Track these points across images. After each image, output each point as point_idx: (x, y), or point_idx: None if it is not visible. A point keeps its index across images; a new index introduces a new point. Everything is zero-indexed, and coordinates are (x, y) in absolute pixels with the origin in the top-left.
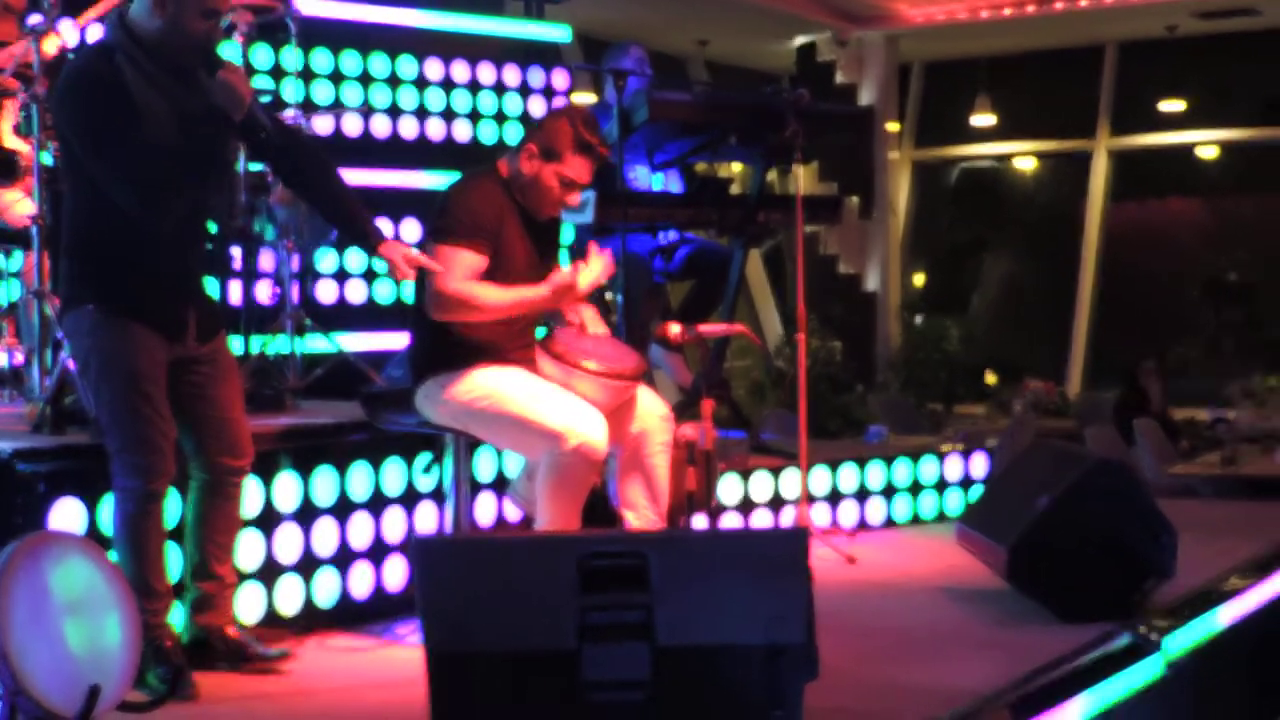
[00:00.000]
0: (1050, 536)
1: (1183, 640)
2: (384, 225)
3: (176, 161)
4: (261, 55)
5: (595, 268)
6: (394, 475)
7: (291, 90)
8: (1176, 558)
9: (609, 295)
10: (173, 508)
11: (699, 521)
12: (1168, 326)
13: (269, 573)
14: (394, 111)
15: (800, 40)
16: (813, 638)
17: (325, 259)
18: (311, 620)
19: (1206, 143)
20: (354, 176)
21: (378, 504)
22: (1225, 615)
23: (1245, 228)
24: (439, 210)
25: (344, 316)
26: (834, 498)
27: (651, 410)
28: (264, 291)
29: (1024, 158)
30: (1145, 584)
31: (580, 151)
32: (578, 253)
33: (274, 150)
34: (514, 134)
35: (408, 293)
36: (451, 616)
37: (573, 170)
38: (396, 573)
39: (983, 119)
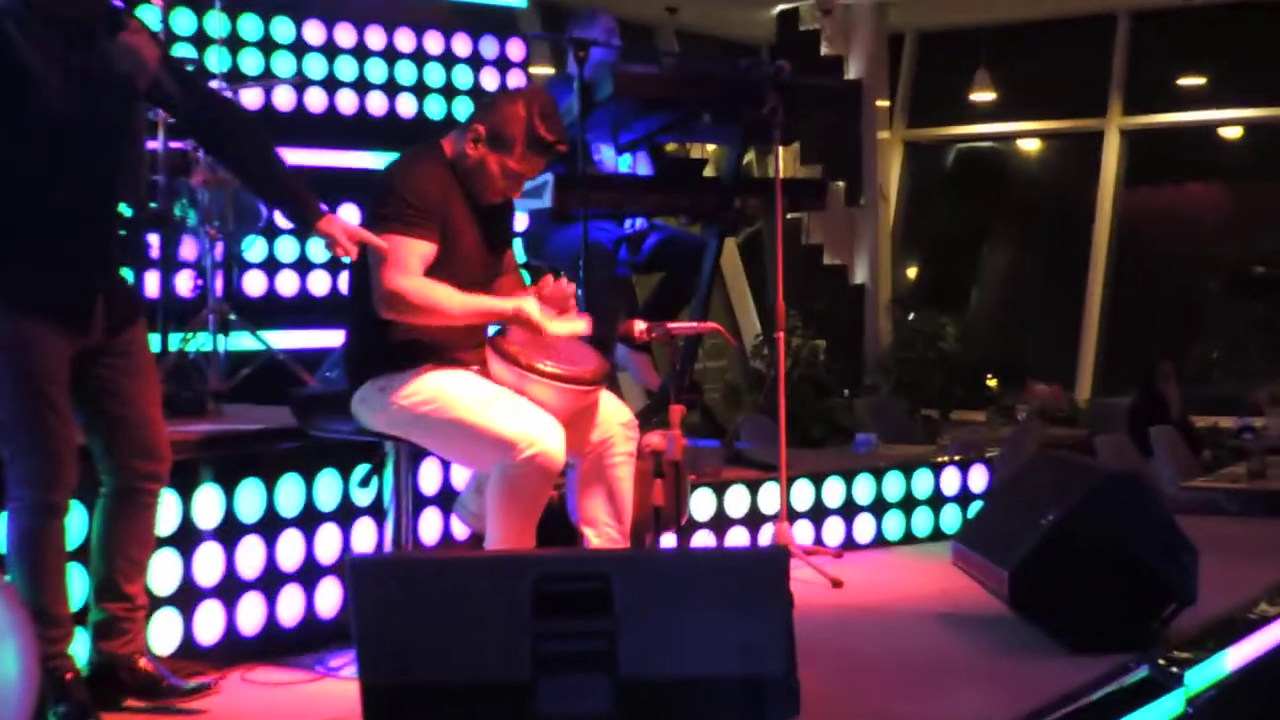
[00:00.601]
0: (1057, 558)
1: (1206, 674)
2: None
3: (74, 134)
4: (183, 20)
5: (578, 325)
6: (328, 488)
7: (216, 60)
8: (1198, 581)
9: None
10: (76, 524)
11: (667, 540)
12: (1188, 324)
13: (186, 597)
14: (330, 84)
15: (781, 7)
16: (793, 669)
17: (253, 247)
18: (234, 651)
19: (1229, 121)
20: (286, 157)
21: (309, 520)
22: (1253, 646)
23: (1273, 215)
24: (380, 194)
25: (273, 311)
26: (818, 513)
27: (614, 417)
28: (184, 283)
29: (1028, 138)
30: (1164, 611)
31: (533, 149)
32: (534, 241)
33: (194, 120)
34: (464, 110)
35: (347, 284)
36: (390, 646)
37: (520, 165)
38: (330, 597)
39: (982, 95)
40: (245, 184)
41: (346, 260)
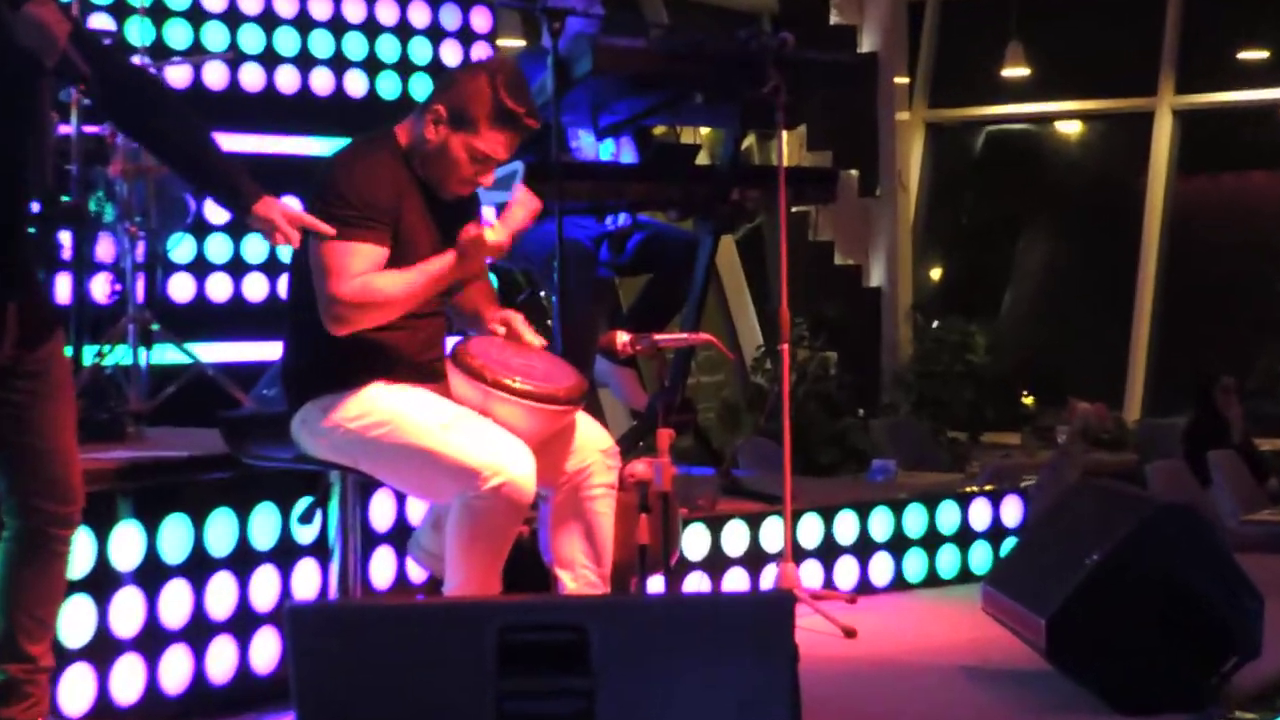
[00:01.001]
0: (1101, 603)
1: None
2: None
3: None
4: None
5: (516, 213)
6: (264, 525)
7: (139, 31)
8: (1263, 630)
9: (543, 294)
10: None
11: (654, 584)
12: (1250, 333)
13: (101, 650)
14: (269, 59)
15: None
16: None
17: (179, 247)
18: (156, 712)
19: None
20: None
21: (243, 562)
22: None
23: None
24: (321, 191)
25: (202, 320)
26: (828, 552)
27: (593, 442)
28: (100, 288)
29: (1067, 119)
30: (1224, 664)
31: (500, 123)
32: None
33: (111, 101)
34: (422, 89)
35: (286, 288)
36: (334, 706)
37: (487, 144)
38: (266, 650)
39: (1015, 70)
40: (171, 168)
41: (288, 253)
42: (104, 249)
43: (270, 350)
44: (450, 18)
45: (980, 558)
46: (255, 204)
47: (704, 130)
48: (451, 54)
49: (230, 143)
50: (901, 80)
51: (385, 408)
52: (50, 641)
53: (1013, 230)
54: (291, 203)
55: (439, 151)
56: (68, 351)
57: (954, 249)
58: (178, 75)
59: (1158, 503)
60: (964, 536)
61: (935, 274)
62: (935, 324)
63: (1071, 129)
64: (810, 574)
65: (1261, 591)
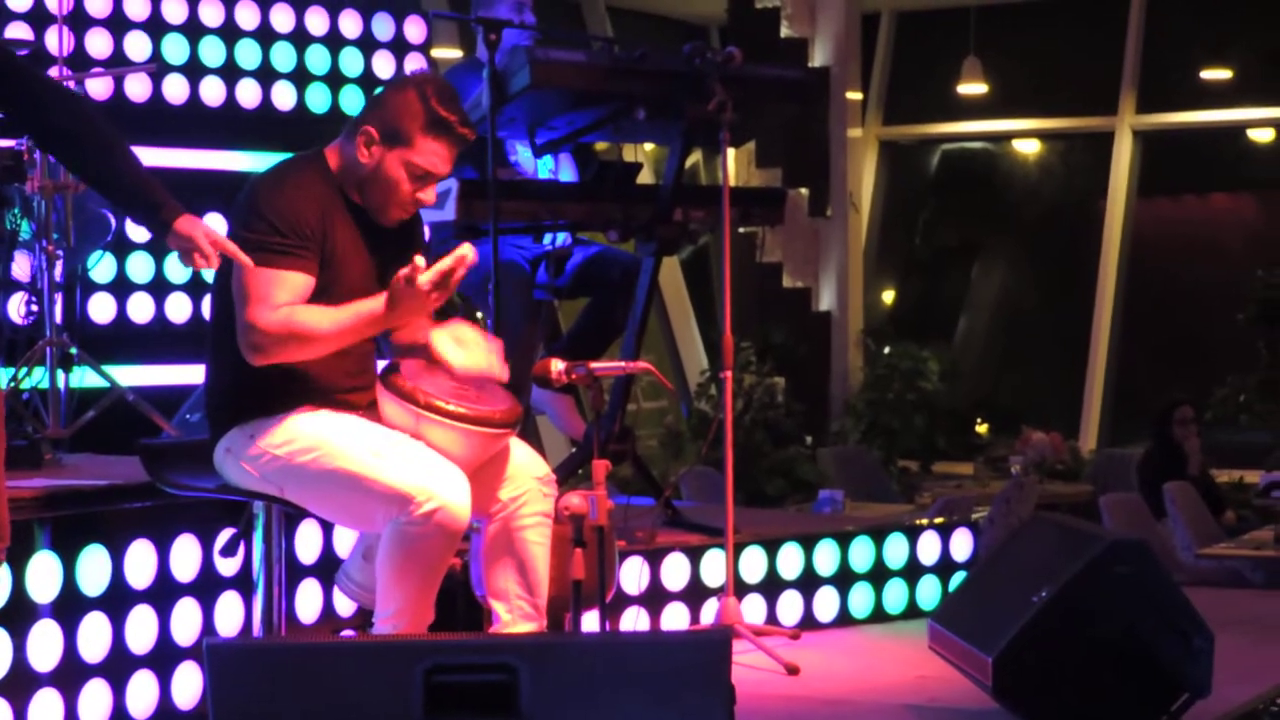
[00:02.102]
0: (1049, 642)
1: None
2: None
3: None
4: None
5: (447, 261)
6: (185, 556)
7: (57, 41)
8: (1213, 669)
9: (479, 315)
10: None
11: (589, 620)
12: (1210, 361)
13: (17, 685)
14: (194, 70)
15: None
16: None
17: (99, 266)
18: None
19: (1260, 122)
20: (139, 156)
21: (164, 594)
22: None
23: None
24: (245, 214)
25: (123, 342)
26: (771, 587)
27: (528, 470)
28: (16, 308)
29: (1025, 139)
30: (1172, 704)
31: (434, 132)
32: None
33: (25, 115)
34: (354, 102)
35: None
36: None
37: (424, 158)
38: (188, 685)
39: (972, 87)
40: (88, 183)
41: (212, 273)
42: (20, 268)
43: (194, 374)
44: (383, 28)
45: (928, 593)
46: (176, 220)
47: (648, 147)
48: (385, 65)
49: (153, 157)
50: (854, 96)
51: (312, 433)
52: None
53: (968, 253)
54: (215, 221)
55: (375, 174)
56: None
57: (907, 272)
58: (98, 87)
59: (1108, 539)
60: (912, 571)
61: (887, 298)
62: (887, 350)
63: (1030, 148)
64: (752, 609)
65: (1214, 627)
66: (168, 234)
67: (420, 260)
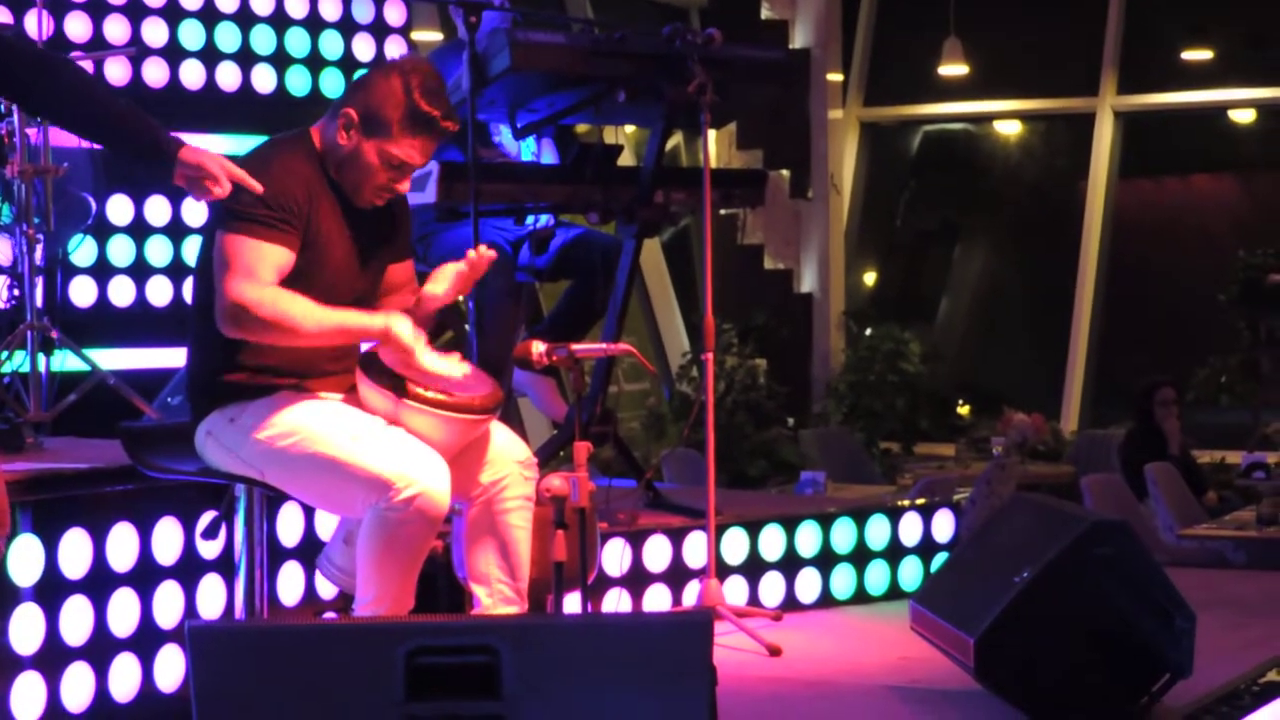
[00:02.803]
0: (1031, 622)
1: None
2: (159, 206)
3: None
4: None
5: (455, 369)
6: (167, 539)
7: (39, 24)
8: (1194, 649)
9: (460, 299)
10: None
11: (571, 603)
12: (1191, 342)
13: (1, 667)
14: (173, 53)
15: None
16: None
17: (81, 249)
18: None
19: (1241, 103)
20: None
21: (146, 578)
22: None
23: None
24: (233, 189)
25: (105, 325)
26: (753, 568)
27: (508, 454)
28: None
29: (1006, 120)
30: (1154, 684)
31: (414, 128)
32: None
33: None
34: (334, 85)
35: (191, 292)
36: None
37: (402, 150)
38: (171, 669)
39: (953, 68)
40: (74, 129)
41: (194, 256)
42: (0, 252)
43: (175, 357)
44: (363, 10)
45: (910, 574)
46: (181, 150)
47: (628, 129)
48: (364, 48)
49: None
50: (835, 77)
51: (294, 418)
52: None
53: (949, 235)
54: (194, 207)
55: (352, 158)
56: None
57: (889, 254)
58: None
59: (1089, 520)
60: (894, 552)
61: (869, 279)
62: (868, 331)
63: (1011, 129)
64: (734, 590)
65: (1196, 608)
66: (175, 165)
67: (422, 341)
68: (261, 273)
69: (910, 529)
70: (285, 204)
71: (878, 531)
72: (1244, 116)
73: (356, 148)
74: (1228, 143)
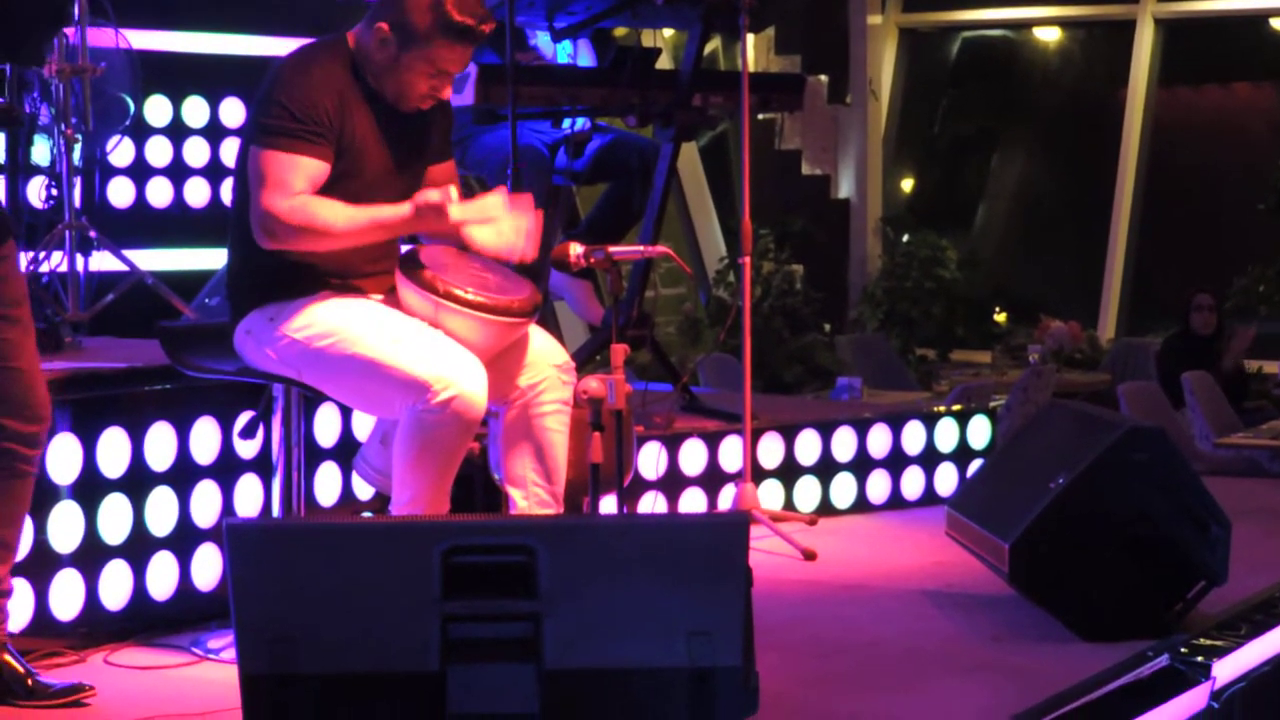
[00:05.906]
0: (1066, 528)
1: (1235, 665)
2: (197, 106)
3: None
4: None
5: (490, 204)
6: (205, 439)
7: None
8: (1229, 558)
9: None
10: None
11: (607, 504)
12: (1230, 251)
13: (40, 565)
14: None
15: None
16: (751, 659)
17: (119, 150)
18: (96, 628)
19: None
20: (156, 40)
21: (183, 477)
22: None
23: None
24: (262, 100)
25: (143, 226)
26: (788, 472)
27: (546, 357)
28: (36, 192)
29: (1046, 26)
30: (1189, 591)
31: (449, 37)
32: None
33: None
34: None
35: (230, 193)
36: (274, 628)
37: (439, 59)
38: (208, 567)
39: None
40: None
41: (232, 157)
42: (39, 152)
43: (213, 258)
44: None
45: (946, 480)
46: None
47: (667, 32)
48: None
49: (179, 42)
50: None
51: (332, 318)
52: (10, 566)
53: (987, 142)
54: (234, 105)
55: (391, 69)
56: None
57: (926, 160)
58: None
59: (1126, 426)
60: (930, 457)
61: (906, 186)
62: (905, 238)
63: (1050, 36)
64: (770, 495)
65: (1231, 516)
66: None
67: (454, 192)
68: (294, 183)
69: (946, 435)
70: (315, 115)
71: (913, 437)
72: None
73: (395, 60)
74: (1269, 50)
